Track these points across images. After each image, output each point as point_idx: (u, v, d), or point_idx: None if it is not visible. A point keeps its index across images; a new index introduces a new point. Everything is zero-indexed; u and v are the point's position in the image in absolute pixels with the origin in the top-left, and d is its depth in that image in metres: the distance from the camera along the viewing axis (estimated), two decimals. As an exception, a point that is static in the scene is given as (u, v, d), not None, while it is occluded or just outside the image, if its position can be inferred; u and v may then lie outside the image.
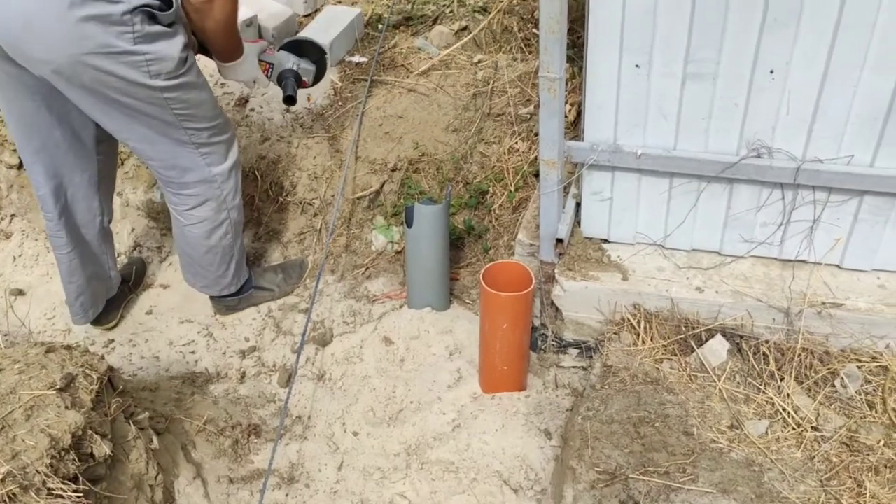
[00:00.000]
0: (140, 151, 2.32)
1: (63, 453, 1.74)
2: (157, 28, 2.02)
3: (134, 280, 2.89)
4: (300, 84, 2.51)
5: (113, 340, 2.72)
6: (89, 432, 1.84)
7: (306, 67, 2.51)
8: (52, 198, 2.40)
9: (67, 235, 2.48)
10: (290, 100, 2.45)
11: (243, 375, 2.58)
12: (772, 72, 1.93)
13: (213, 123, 2.30)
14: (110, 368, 2.10)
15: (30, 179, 2.45)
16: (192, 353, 2.67)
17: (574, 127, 2.65)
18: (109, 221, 2.62)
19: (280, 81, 2.48)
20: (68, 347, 2.06)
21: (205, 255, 2.56)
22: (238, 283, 2.71)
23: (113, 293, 2.75)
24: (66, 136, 2.30)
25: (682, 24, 1.92)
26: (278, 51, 2.51)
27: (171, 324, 2.78)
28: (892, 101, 1.90)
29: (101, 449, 1.84)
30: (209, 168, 2.37)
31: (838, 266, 2.23)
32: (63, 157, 2.35)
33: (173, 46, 2.07)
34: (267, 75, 2.48)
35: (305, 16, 3.48)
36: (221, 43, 2.28)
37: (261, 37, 3.31)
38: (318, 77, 2.58)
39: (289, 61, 2.49)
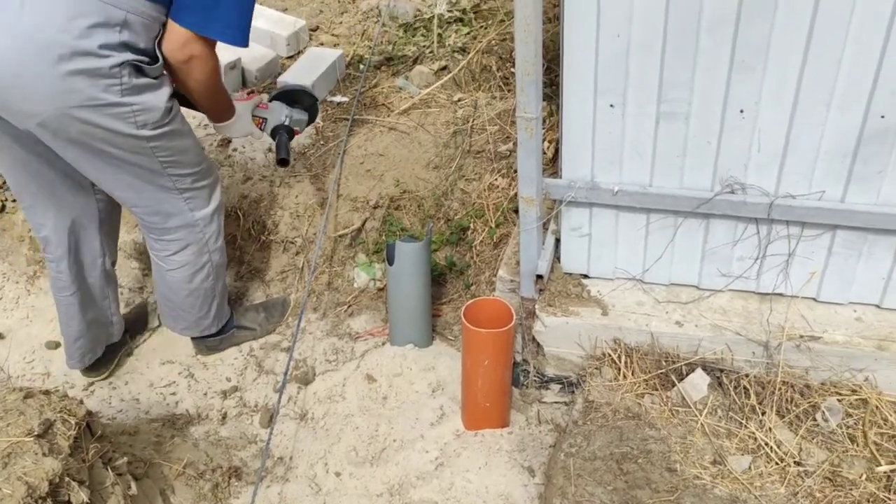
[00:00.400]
0: (125, 200, 2.32)
1: (40, 501, 1.72)
2: (144, 80, 2.03)
3: (136, 327, 2.85)
4: (292, 135, 2.55)
5: (93, 383, 2.69)
6: (67, 479, 1.81)
7: (298, 118, 2.56)
8: (54, 239, 2.39)
9: (70, 277, 2.45)
10: (283, 162, 2.50)
11: (224, 416, 2.56)
12: (742, 111, 1.97)
13: (197, 169, 2.31)
14: (89, 413, 2.08)
15: (29, 223, 2.45)
16: (173, 394, 2.65)
17: (553, 163, 2.69)
18: (113, 264, 2.58)
19: (273, 135, 2.53)
20: (47, 392, 2.05)
21: (186, 299, 2.55)
22: (219, 323, 2.70)
23: (114, 339, 2.70)
24: (61, 178, 2.28)
25: (653, 66, 1.96)
26: (271, 101, 2.55)
27: (152, 365, 2.76)
28: (860, 137, 1.95)
29: (79, 496, 1.82)
30: (192, 213, 2.37)
31: (815, 299, 2.26)
32: (61, 200, 2.33)
33: (160, 97, 2.08)
34: (261, 128, 2.52)
35: (288, 57, 3.52)
36: (208, 103, 2.31)
37: (244, 80, 3.35)
38: (311, 121, 2.64)
39: (282, 114, 2.53)
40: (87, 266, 2.49)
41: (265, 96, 2.58)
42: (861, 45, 1.82)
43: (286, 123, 2.53)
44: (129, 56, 1.97)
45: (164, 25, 2.07)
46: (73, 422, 1.97)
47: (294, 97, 2.60)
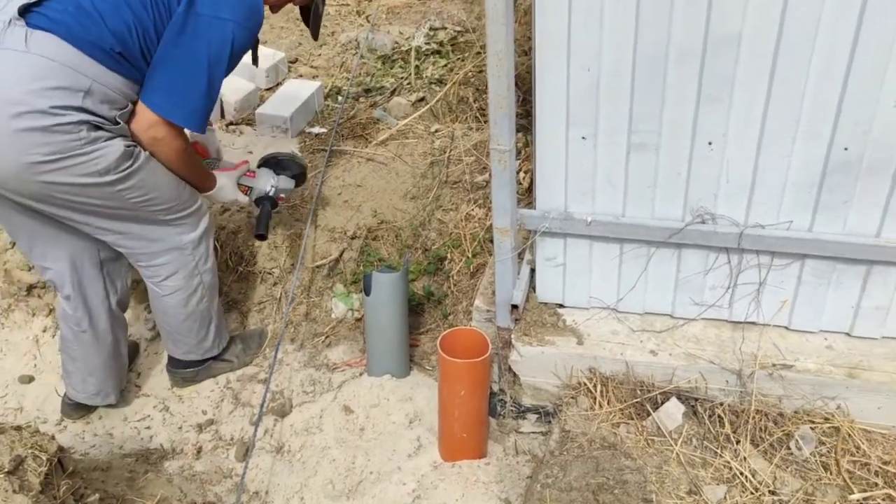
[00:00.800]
0: (111, 241, 2.32)
1: (7, 540, 1.69)
2: (102, 133, 2.04)
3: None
4: (276, 205, 2.60)
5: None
6: (36, 517, 1.79)
7: (284, 186, 2.60)
8: (58, 281, 2.37)
9: (81, 314, 2.42)
10: (260, 237, 2.56)
11: (199, 450, 2.54)
12: (710, 143, 2.01)
13: (175, 202, 2.30)
14: (60, 449, 2.06)
15: (34, 266, 2.44)
16: (148, 428, 2.62)
17: (529, 194, 2.71)
18: (119, 304, 2.54)
19: (258, 204, 2.57)
20: (18, 428, 2.02)
21: (184, 323, 2.54)
22: (220, 344, 2.70)
23: (123, 385, 2.68)
24: (49, 224, 2.25)
25: (623, 99, 2.00)
26: (259, 167, 2.60)
27: (127, 398, 2.73)
28: (825, 168, 1.99)
29: (48, 534, 1.79)
30: (179, 237, 2.38)
31: (786, 327, 2.28)
32: (56, 244, 2.31)
33: (119, 143, 2.08)
34: (247, 195, 2.56)
35: (267, 89, 3.55)
36: (185, 178, 2.33)
37: (223, 112, 3.37)
38: (298, 187, 2.70)
39: (267, 183, 2.57)
40: (96, 307, 2.46)
41: (251, 166, 2.62)
42: (823, 78, 1.87)
43: (270, 194, 2.57)
44: (87, 117, 1.99)
45: (133, 103, 2.12)
46: (44, 458, 1.95)
47: (282, 164, 2.65)
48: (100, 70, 2.00)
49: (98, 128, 2.03)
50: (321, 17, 2.53)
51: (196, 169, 2.37)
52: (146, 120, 2.12)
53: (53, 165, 1.99)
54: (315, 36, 2.59)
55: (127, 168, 2.11)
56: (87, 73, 1.98)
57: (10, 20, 1.94)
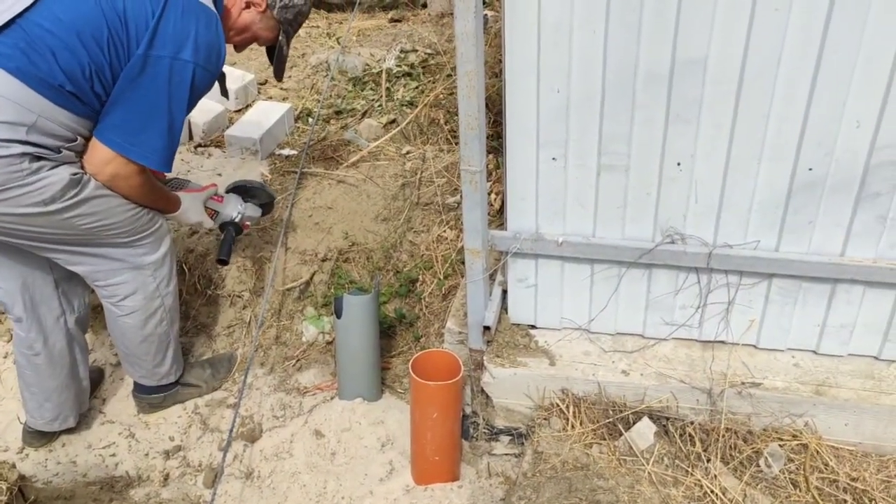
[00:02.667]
0: (63, 262, 2.26)
1: (-37, 574, 1.63)
2: (45, 162, 2.00)
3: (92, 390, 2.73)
4: (240, 231, 2.59)
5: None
6: (-6, 549, 1.73)
7: (251, 214, 2.60)
8: (9, 302, 2.31)
9: (34, 337, 2.36)
10: (221, 262, 2.56)
11: (167, 477, 2.48)
12: (678, 164, 2.04)
13: (133, 224, 2.25)
14: (21, 477, 2.01)
15: None
16: (113, 455, 2.56)
17: (500, 215, 2.73)
18: (78, 322, 2.47)
19: (222, 229, 2.55)
20: (-23, 456, 1.97)
21: (140, 345, 2.49)
22: (177, 372, 2.64)
23: (85, 408, 2.61)
24: (2, 245, 2.20)
25: (592, 120, 2.02)
26: (228, 192, 2.58)
27: (92, 425, 2.66)
28: (790, 189, 2.03)
29: (6, 567, 1.74)
30: (140, 258, 2.33)
31: (755, 346, 2.31)
32: (6, 263, 2.25)
33: (64, 171, 2.04)
34: (212, 220, 2.55)
35: (236, 111, 3.54)
36: (146, 205, 2.29)
37: (191, 134, 3.34)
38: (265, 215, 2.70)
39: (234, 210, 2.56)
40: (50, 327, 2.39)
41: (219, 190, 2.60)
42: (787, 100, 1.91)
43: (236, 220, 2.56)
44: (29, 149, 1.96)
45: (84, 137, 2.08)
46: (4, 487, 1.91)
47: (251, 192, 2.64)
48: (47, 106, 1.96)
49: (40, 158, 1.98)
50: (286, 59, 2.53)
51: (158, 198, 2.33)
52: (101, 157, 2.08)
53: None
54: (279, 76, 2.58)
55: (73, 196, 2.06)
56: (34, 108, 1.94)
57: None
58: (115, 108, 2.06)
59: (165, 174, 2.45)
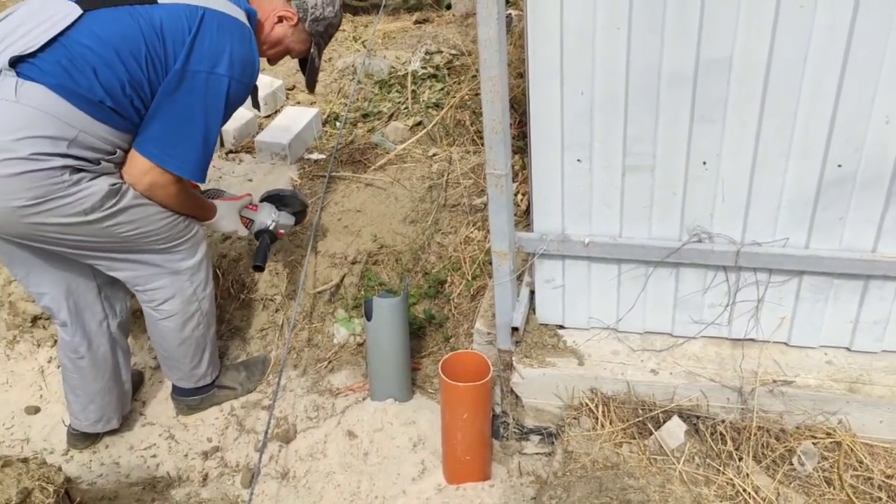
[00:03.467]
0: (104, 268, 2.34)
1: (14, 574, 1.70)
2: (84, 174, 2.07)
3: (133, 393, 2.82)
4: (275, 239, 2.65)
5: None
6: (43, 549, 1.80)
7: (284, 222, 2.66)
8: (54, 307, 2.39)
9: (79, 341, 2.43)
10: (257, 268, 2.60)
11: (205, 477, 2.54)
12: (704, 163, 2.03)
13: (170, 231, 2.32)
14: (67, 480, 2.08)
15: (29, 294, 2.47)
16: (154, 456, 2.63)
17: (527, 215, 2.74)
18: (120, 326, 2.55)
19: (257, 237, 2.62)
20: (25, 460, 2.04)
21: (178, 348, 2.56)
22: (213, 374, 2.71)
23: (127, 410, 2.70)
24: (43, 253, 2.26)
25: (617, 121, 2.03)
26: (262, 201, 2.65)
27: (133, 427, 2.74)
28: (819, 186, 2.01)
29: (55, 566, 1.80)
30: (177, 263, 2.40)
31: (786, 343, 2.30)
32: (51, 270, 2.32)
33: (103, 181, 2.10)
34: (247, 227, 2.61)
35: (265, 117, 3.59)
36: (183, 212, 2.35)
37: (222, 141, 3.40)
38: (298, 224, 2.75)
39: (268, 218, 2.62)
40: (94, 331, 2.47)
41: (253, 199, 2.68)
42: (814, 97, 1.89)
43: (271, 228, 2.62)
44: (70, 161, 2.02)
45: (123, 150, 2.15)
46: (51, 489, 1.97)
47: (285, 200, 2.70)
48: (88, 121, 2.03)
49: (80, 170, 2.05)
50: (318, 70, 2.58)
51: (194, 206, 2.40)
52: (139, 167, 2.15)
53: (38, 208, 2.01)
54: (311, 88, 2.63)
55: (113, 206, 2.12)
56: (75, 123, 2.01)
57: (1, 70, 1.97)
58: (153, 121, 2.12)
59: (200, 185, 2.52)
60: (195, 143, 2.16)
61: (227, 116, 2.23)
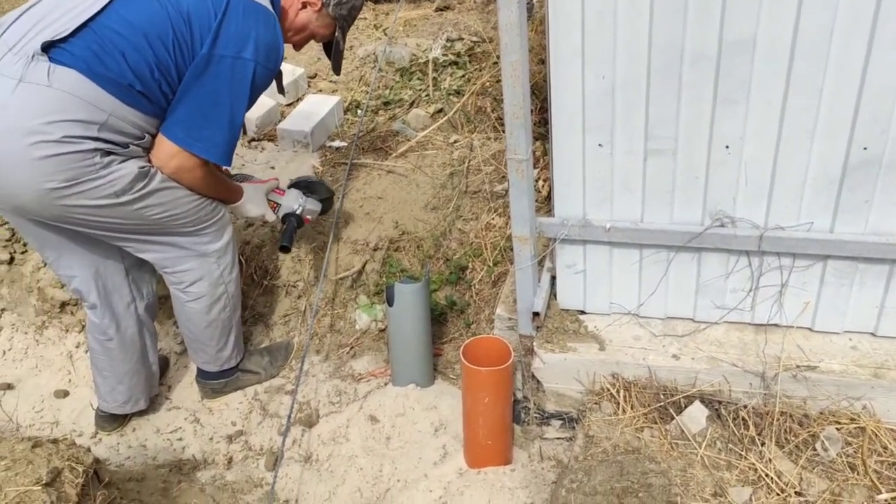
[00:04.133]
0: (134, 250, 2.38)
1: (46, 550, 1.74)
2: (114, 157, 2.10)
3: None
4: (301, 224, 2.68)
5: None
6: (73, 527, 1.84)
7: (311, 208, 2.69)
8: (84, 290, 2.43)
9: (108, 324, 2.48)
10: (283, 249, 2.64)
11: (230, 460, 2.58)
12: (727, 146, 2.02)
13: (197, 214, 2.36)
14: (96, 460, 2.11)
15: (58, 278, 2.52)
16: (180, 439, 2.67)
17: (548, 201, 2.73)
18: (147, 309, 2.60)
19: (284, 221, 2.65)
20: (55, 441, 2.08)
21: (205, 330, 2.60)
22: (237, 357, 2.75)
23: (155, 392, 2.75)
24: (73, 235, 2.30)
25: (638, 105, 2.02)
26: (289, 188, 2.69)
27: (158, 410, 2.79)
28: (845, 168, 1.99)
29: (85, 544, 1.84)
30: (205, 246, 2.43)
31: (810, 329, 2.28)
32: (81, 252, 2.37)
33: (133, 164, 2.14)
34: (274, 212, 2.65)
35: (287, 105, 3.61)
36: (210, 195, 2.39)
37: (245, 129, 3.43)
38: (323, 212, 2.78)
39: (295, 203, 2.66)
40: (122, 313, 2.52)
41: (278, 182, 2.71)
42: (840, 77, 1.87)
43: (298, 212, 2.65)
44: (101, 145, 2.06)
45: (151, 135, 2.19)
46: (80, 470, 2.00)
47: (311, 187, 2.74)
48: (118, 105, 2.07)
49: (110, 153, 2.09)
50: (342, 53, 2.59)
51: (220, 189, 2.44)
52: (166, 151, 2.19)
53: (70, 190, 2.06)
54: (337, 71, 2.64)
55: (142, 188, 2.16)
56: (105, 107, 2.05)
57: (34, 55, 2.01)
58: (180, 105, 2.16)
59: (228, 169, 2.55)
60: (221, 127, 2.19)
61: (252, 101, 2.26)
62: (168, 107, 2.17)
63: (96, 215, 2.16)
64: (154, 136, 2.20)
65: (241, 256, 3.02)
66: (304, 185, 2.74)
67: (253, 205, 2.56)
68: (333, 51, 2.56)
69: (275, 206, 2.65)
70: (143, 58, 2.07)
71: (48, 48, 2.02)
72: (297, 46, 2.53)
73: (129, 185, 2.13)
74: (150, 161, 2.21)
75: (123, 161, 2.12)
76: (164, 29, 2.09)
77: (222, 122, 2.19)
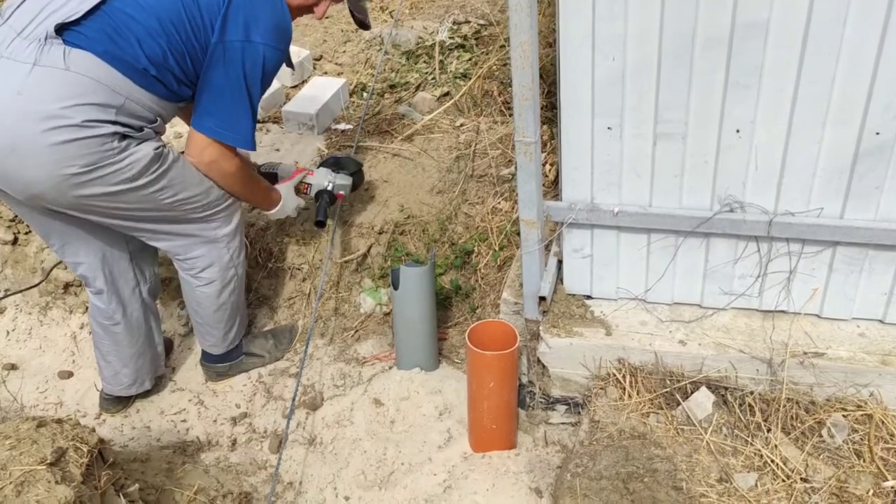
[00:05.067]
0: (146, 239, 2.38)
1: (52, 529, 1.74)
2: (130, 140, 2.10)
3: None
4: (334, 200, 2.73)
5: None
6: (79, 506, 1.84)
7: (342, 183, 2.74)
8: (90, 275, 2.43)
9: (114, 308, 2.48)
10: (319, 224, 2.69)
11: (234, 442, 2.58)
12: (738, 130, 2.00)
13: (208, 198, 2.35)
14: (101, 440, 2.11)
15: (65, 264, 2.53)
16: (184, 421, 2.67)
17: (555, 186, 2.72)
18: (150, 292, 2.60)
19: (316, 199, 2.71)
20: (59, 421, 2.07)
21: (215, 314, 2.60)
22: (240, 335, 2.75)
23: (161, 372, 2.76)
24: (79, 221, 2.29)
25: (649, 88, 2.00)
26: (319, 167, 2.74)
27: (162, 392, 2.79)
28: (856, 154, 1.97)
29: (90, 523, 1.84)
30: (214, 231, 2.44)
31: (818, 315, 2.27)
32: (86, 238, 2.36)
33: (147, 146, 2.14)
34: (307, 193, 2.71)
35: (293, 87, 3.59)
36: (244, 198, 2.44)
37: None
38: (356, 186, 2.83)
39: (325, 179, 2.71)
40: (127, 297, 2.52)
41: (307, 171, 2.76)
42: (853, 62, 1.85)
43: (329, 188, 2.70)
44: (118, 128, 2.05)
45: (163, 118, 2.20)
46: (85, 449, 2.00)
47: (340, 163, 2.78)
48: (134, 88, 2.07)
49: (126, 136, 2.09)
50: (365, 10, 2.56)
51: (257, 188, 2.48)
52: (198, 144, 2.22)
53: (89, 176, 2.05)
54: (366, 26, 2.58)
55: (157, 170, 2.16)
56: (121, 90, 2.04)
57: (46, 37, 1.98)
58: (202, 96, 2.18)
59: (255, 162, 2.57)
60: (243, 113, 2.20)
61: (266, 83, 2.25)
62: (178, 90, 2.17)
63: (113, 202, 2.15)
64: (164, 120, 2.22)
65: (247, 239, 3.00)
66: (332, 163, 2.78)
67: (286, 206, 2.64)
68: (355, 8, 2.49)
69: (306, 187, 2.70)
70: (157, 42, 2.07)
71: (61, 30, 2.00)
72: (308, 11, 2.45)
73: (145, 168, 2.13)
74: (161, 142, 2.20)
75: (139, 144, 2.11)
76: (177, 13, 2.09)
77: (243, 108, 2.20)
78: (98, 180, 2.07)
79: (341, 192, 2.74)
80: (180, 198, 2.26)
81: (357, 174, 2.81)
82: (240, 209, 2.52)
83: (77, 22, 2.01)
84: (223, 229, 2.45)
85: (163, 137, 2.29)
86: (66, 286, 3.07)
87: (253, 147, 2.28)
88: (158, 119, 2.18)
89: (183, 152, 2.29)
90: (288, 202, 2.65)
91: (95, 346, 2.60)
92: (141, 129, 2.12)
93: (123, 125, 2.06)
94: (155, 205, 2.23)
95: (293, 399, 2.50)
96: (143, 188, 2.15)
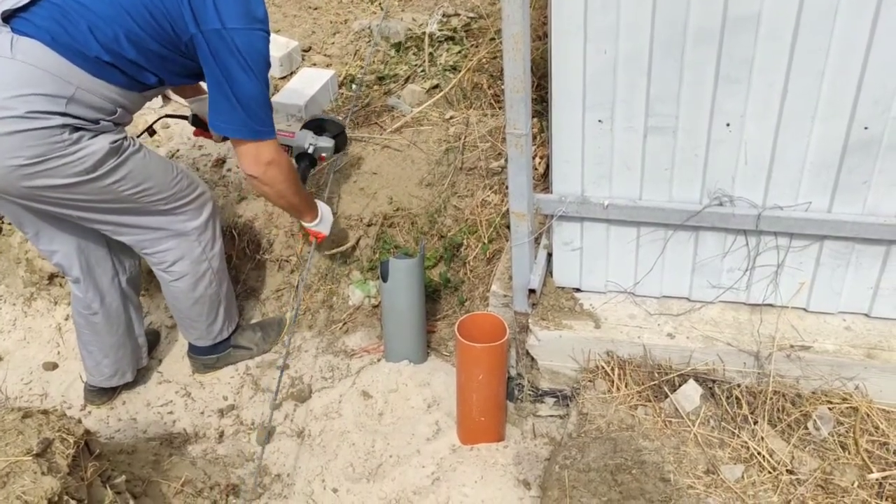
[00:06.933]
0: (109, 233, 2.33)
1: (38, 520, 1.72)
2: (84, 132, 2.03)
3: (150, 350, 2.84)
4: (315, 163, 2.68)
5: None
6: (66, 498, 1.83)
7: (323, 145, 2.66)
8: (66, 264, 2.40)
9: (92, 297, 2.45)
10: None
11: (221, 434, 2.57)
12: (728, 124, 2.00)
13: (172, 190, 2.30)
14: (87, 432, 2.09)
15: (41, 253, 2.48)
16: (170, 413, 2.66)
17: (545, 179, 2.72)
18: (129, 282, 2.56)
19: (298, 162, 2.64)
20: (45, 412, 2.06)
21: (192, 308, 2.57)
22: (230, 327, 2.72)
23: (143, 364, 2.72)
24: (48, 210, 2.25)
25: (640, 81, 2.00)
26: (301, 129, 2.66)
27: (149, 384, 2.77)
28: (845, 148, 1.98)
29: (77, 514, 1.83)
30: (183, 224, 2.39)
31: (805, 309, 2.28)
32: (60, 227, 2.32)
33: (103, 140, 2.07)
34: (288, 154, 2.62)
35: (281, 78, 3.56)
36: (294, 202, 2.39)
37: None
38: (339, 149, 2.75)
39: (305, 142, 2.63)
40: (105, 287, 2.48)
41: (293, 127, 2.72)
42: (843, 56, 1.85)
43: (309, 151, 2.62)
44: (69, 120, 1.98)
45: (125, 109, 2.11)
46: (71, 441, 1.98)
47: (323, 125, 2.71)
48: (86, 78, 1.99)
49: (79, 129, 2.02)
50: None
51: (302, 189, 2.43)
52: (251, 151, 2.15)
53: (35, 168, 1.99)
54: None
55: (113, 162, 2.10)
56: (72, 80, 1.97)
57: None
58: (212, 99, 2.10)
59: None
60: (259, 104, 2.12)
61: (259, 65, 2.10)
62: (144, 78, 2.08)
63: (66, 194, 2.09)
64: (128, 111, 2.13)
65: (233, 230, 2.99)
66: (314, 125, 2.70)
67: (327, 212, 2.62)
68: None
69: (286, 149, 2.60)
70: (110, 27, 1.98)
71: (9, 18, 1.93)
72: None
73: (100, 162, 2.06)
74: (120, 134, 2.13)
75: (93, 137, 2.05)
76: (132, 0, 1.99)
77: (252, 98, 2.10)
78: (46, 172, 2.00)
79: (323, 155, 2.67)
80: (142, 189, 2.20)
81: (340, 136, 2.73)
82: (210, 201, 2.46)
83: (25, 9, 1.95)
84: (192, 222, 2.40)
85: (128, 128, 2.21)
86: (51, 277, 3.04)
87: (273, 135, 2.21)
88: (119, 110, 2.10)
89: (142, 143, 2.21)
90: (325, 212, 2.60)
91: (78, 337, 2.58)
92: (97, 122, 2.05)
93: (75, 117, 1.99)
94: (115, 196, 2.17)
95: (275, 391, 2.48)
96: (99, 179, 2.09)
